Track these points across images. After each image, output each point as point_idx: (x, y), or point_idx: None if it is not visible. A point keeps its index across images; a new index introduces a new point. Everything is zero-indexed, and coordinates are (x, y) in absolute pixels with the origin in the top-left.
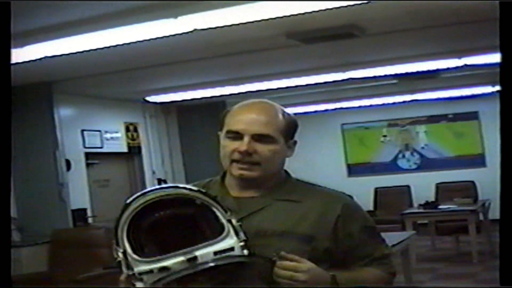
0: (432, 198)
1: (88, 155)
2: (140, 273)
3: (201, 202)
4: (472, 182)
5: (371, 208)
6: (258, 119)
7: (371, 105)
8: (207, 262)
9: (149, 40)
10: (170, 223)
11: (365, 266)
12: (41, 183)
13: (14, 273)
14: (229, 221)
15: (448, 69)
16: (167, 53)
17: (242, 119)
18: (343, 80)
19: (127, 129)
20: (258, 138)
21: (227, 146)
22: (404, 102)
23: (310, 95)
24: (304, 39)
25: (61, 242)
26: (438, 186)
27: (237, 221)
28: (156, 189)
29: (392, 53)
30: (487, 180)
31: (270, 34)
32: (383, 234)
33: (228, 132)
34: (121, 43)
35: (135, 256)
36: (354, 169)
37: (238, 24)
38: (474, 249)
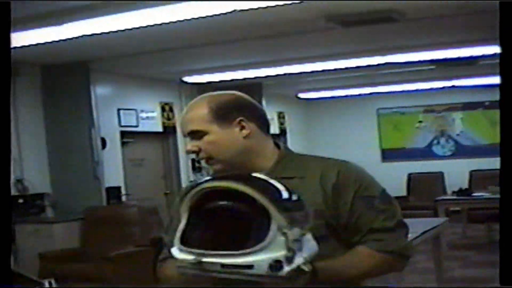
0: (465, 185)
1: (123, 134)
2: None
3: (260, 204)
4: None
5: (404, 193)
6: (188, 117)
7: (407, 91)
8: (237, 273)
9: (187, 20)
10: (222, 213)
11: (361, 242)
12: (76, 161)
13: (47, 248)
14: (285, 233)
15: (486, 56)
16: (205, 33)
17: (182, 121)
18: (380, 64)
19: (163, 109)
20: (194, 135)
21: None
22: (441, 88)
23: (346, 79)
24: (343, 22)
25: (94, 219)
26: (472, 173)
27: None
28: (227, 177)
29: (430, 39)
30: None
31: (309, 17)
32: (415, 220)
33: (184, 135)
34: (159, 23)
35: (181, 245)
36: (388, 154)
37: (276, 6)
38: None
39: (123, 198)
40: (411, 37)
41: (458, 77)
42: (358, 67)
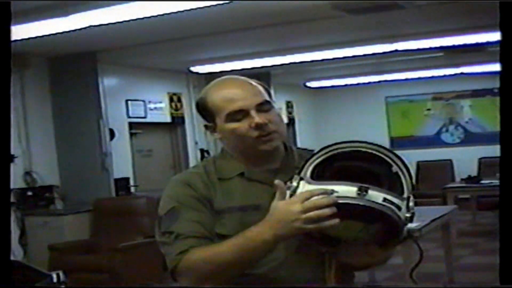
0: (474, 172)
1: (131, 125)
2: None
3: (395, 171)
4: None
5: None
6: (250, 91)
7: (416, 78)
8: (374, 202)
9: (194, 9)
10: (356, 174)
11: None
12: (84, 152)
13: (56, 240)
14: (408, 197)
15: (495, 42)
16: (212, 23)
17: (235, 97)
18: (388, 52)
19: (171, 99)
20: (261, 108)
21: (237, 128)
22: (449, 75)
23: (354, 67)
24: (349, 10)
25: (103, 211)
26: (481, 160)
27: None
28: (363, 142)
29: (438, 26)
30: None
31: (316, 4)
32: (424, 208)
33: (229, 114)
34: (166, 12)
35: (309, 179)
36: (397, 142)
37: None
38: None
39: (132, 189)
40: (418, 24)
41: (466, 64)
42: (365, 55)
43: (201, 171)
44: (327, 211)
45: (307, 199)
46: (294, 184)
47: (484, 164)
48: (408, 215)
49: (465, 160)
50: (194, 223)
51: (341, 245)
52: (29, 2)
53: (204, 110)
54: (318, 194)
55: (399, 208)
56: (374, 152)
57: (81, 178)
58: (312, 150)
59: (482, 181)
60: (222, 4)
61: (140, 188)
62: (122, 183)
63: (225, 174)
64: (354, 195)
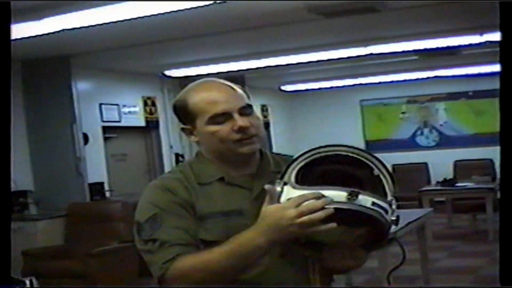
0: (450, 175)
1: (105, 129)
2: (289, 199)
3: (377, 174)
4: (491, 160)
5: None
6: (233, 94)
7: (390, 81)
8: (364, 207)
9: (168, 13)
10: (338, 178)
11: None
12: (58, 157)
13: (30, 246)
14: (391, 200)
15: (469, 45)
16: (186, 27)
17: (219, 99)
18: (363, 55)
19: (145, 103)
20: (243, 111)
21: (218, 130)
22: (424, 78)
23: (329, 70)
24: (325, 13)
25: (77, 216)
26: (456, 163)
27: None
28: (345, 146)
29: (413, 29)
30: None
31: (291, 8)
32: (400, 211)
33: (212, 117)
34: (139, 16)
35: (294, 184)
36: (372, 146)
37: None
38: (490, 227)
39: (107, 194)
40: (393, 27)
41: (441, 67)
42: (340, 58)
43: (179, 176)
44: (321, 214)
45: (300, 203)
46: (278, 189)
47: (459, 167)
48: (393, 218)
49: (441, 163)
50: (178, 230)
51: (324, 249)
52: None
53: (183, 112)
54: (311, 198)
55: (386, 212)
56: (355, 155)
57: (55, 183)
58: (286, 155)
59: (458, 184)
60: (196, 8)
61: (115, 193)
62: (96, 188)
63: (205, 178)
64: (344, 199)
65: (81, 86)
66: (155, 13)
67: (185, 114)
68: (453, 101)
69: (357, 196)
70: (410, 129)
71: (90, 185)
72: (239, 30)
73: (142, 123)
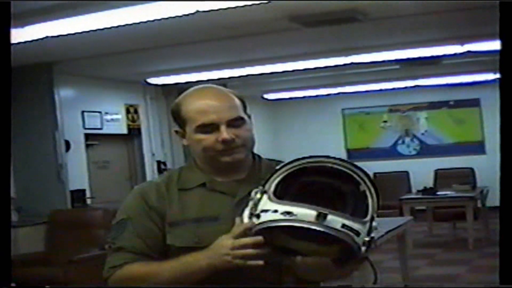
0: (430, 184)
1: (87, 136)
2: (262, 210)
3: (363, 190)
4: (471, 169)
5: None
6: (224, 105)
7: (372, 90)
8: (333, 229)
9: (151, 21)
10: (322, 190)
11: None
12: (40, 164)
13: (11, 253)
14: (372, 218)
15: (450, 55)
16: (169, 35)
17: (209, 109)
18: (344, 64)
19: (127, 111)
20: (231, 123)
21: (204, 139)
22: (405, 87)
23: (311, 79)
24: (306, 23)
25: (58, 223)
26: (437, 172)
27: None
28: (334, 158)
29: (394, 39)
30: (486, 167)
31: (273, 17)
32: (380, 220)
33: (199, 126)
34: (122, 24)
35: (272, 196)
36: (353, 154)
37: (240, 7)
38: (470, 235)
39: (88, 201)
40: (374, 37)
41: (422, 76)
42: (322, 67)
43: (162, 180)
44: (251, 251)
45: (240, 234)
46: (258, 196)
47: (440, 175)
48: (367, 239)
49: (421, 171)
50: (136, 239)
51: (297, 258)
52: None
53: (176, 116)
54: (243, 230)
55: (358, 234)
56: (342, 169)
57: (36, 189)
58: (281, 161)
59: (438, 193)
60: (180, 16)
61: (97, 200)
62: (78, 195)
63: (187, 184)
64: (313, 219)
65: (63, 93)
66: (138, 21)
67: (178, 119)
68: (434, 110)
69: (325, 218)
70: (391, 138)
71: (72, 192)
72: (221, 39)
73: (124, 130)
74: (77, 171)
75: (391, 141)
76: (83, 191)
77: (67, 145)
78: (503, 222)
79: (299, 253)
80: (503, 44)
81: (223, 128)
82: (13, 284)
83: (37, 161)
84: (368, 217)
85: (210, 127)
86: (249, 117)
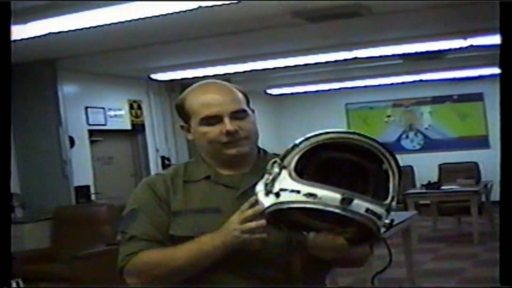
0: (434, 178)
1: (91, 132)
2: (282, 189)
3: (386, 168)
4: (475, 163)
5: None
6: (228, 98)
7: (376, 85)
8: (357, 214)
9: (154, 17)
10: (344, 166)
11: None
12: (44, 160)
13: (16, 249)
14: (393, 197)
15: (453, 49)
16: (172, 30)
17: (213, 102)
18: (348, 59)
19: (131, 107)
20: (235, 115)
21: (208, 132)
22: (409, 82)
23: (315, 74)
24: (309, 18)
25: (63, 219)
26: (441, 167)
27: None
28: (357, 133)
29: (397, 33)
30: (490, 161)
31: (276, 12)
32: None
33: (203, 119)
34: (125, 20)
35: (293, 173)
36: None
37: (244, 2)
38: (475, 230)
39: (93, 197)
40: (378, 31)
41: (426, 71)
42: (326, 62)
43: (170, 172)
44: (253, 224)
45: (251, 205)
46: (276, 170)
47: (444, 170)
48: (387, 221)
49: (425, 166)
50: (149, 226)
51: (310, 234)
52: None
53: (181, 111)
54: (248, 207)
55: (380, 218)
56: (364, 145)
57: (41, 186)
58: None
59: (442, 187)
60: (183, 11)
61: (101, 196)
62: (82, 191)
63: (192, 177)
64: (337, 203)
65: (67, 90)
66: (142, 16)
67: (182, 113)
68: (438, 104)
69: (350, 202)
70: (395, 132)
71: (76, 188)
72: (225, 34)
73: (128, 126)
74: (82, 167)
75: (395, 135)
76: (88, 187)
77: (71, 141)
78: (503, 222)
79: (313, 230)
80: (503, 39)
81: (226, 120)
82: (19, 279)
83: (41, 158)
84: (389, 199)
85: (214, 119)
86: (253, 111)
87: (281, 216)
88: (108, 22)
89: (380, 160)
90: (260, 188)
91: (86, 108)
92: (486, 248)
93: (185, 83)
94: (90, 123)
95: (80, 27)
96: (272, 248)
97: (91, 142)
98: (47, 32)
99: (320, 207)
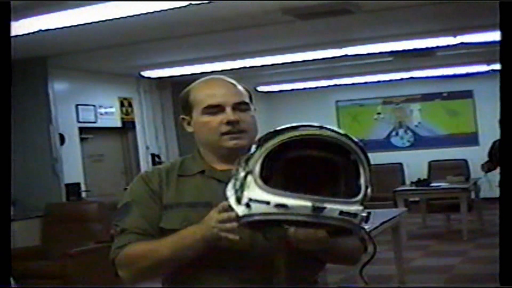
0: (424, 176)
1: (82, 130)
2: (251, 199)
3: (354, 159)
4: (465, 160)
5: None
6: (232, 90)
7: (365, 82)
8: (331, 218)
9: (144, 14)
10: (311, 163)
11: None
12: (34, 157)
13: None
14: (366, 189)
15: (443, 47)
16: (162, 28)
17: (216, 93)
18: (338, 56)
19: (122, 104)
20: (238, 107)
21: (210, 121)
22: (399, 79)
23: (305, 71)
24: (299, 15)
25: (54, 216)
26: (431, 164)
27: None
28: (314, 126)
29: (387, 30)
30: (479, 158)
31: (266, 10)
32: (374, 211)
33: (206, 108)
34: (116, 17)
35: (259, 180)
36: None
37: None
38: (464, 227)
39: (83, 195)
40: (368, 29)
41: (415, 68)
42: (316, 59)
43: (165, 167)
44: (228, 226)
45: (225, 209)
46: (242, 175)
47: (434, 167)
48: (364, 214)
49: (415, 163)
50: (140, 219)
51: (290, 230)
52: None
53: (184, 103)
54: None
55: (356, 215)
56: (328, 138)
57: (31, 183)
58: None
59: (432, 184)
60: (172, 9)
61: (91, 193)
62: (73, 188)
63: (187, 171)
64: (309, 211)
65: (57, 87)
66: (132, 14)
67: (185, 105)
68: (428, 102)
69: (322, 210)
70: (385, 129)
71: (67, 185)
72: (214, 32)
73: (118, 123)
74: (72, 165)
75: (385, 133)
76: (78, 184)
77: (62, 138)
78: (503, 221)
79: (293, 224)
80: (503, 35)
81: (228, 109)
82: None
83: (31, 155)
84: (362, 192)
85: (216, 109)
86: (255, 109)
87: (255, 223)
88: (99, 20)
89: (346, 151)
90: (230, 192)
91: (77, 105)
92: (476, 244)
93: (175, 81)
94: (81, 120)
95: (70, 25)
96: (259, 247)
97: (82, 139)
98: (37, 29)
99: (292, 218)
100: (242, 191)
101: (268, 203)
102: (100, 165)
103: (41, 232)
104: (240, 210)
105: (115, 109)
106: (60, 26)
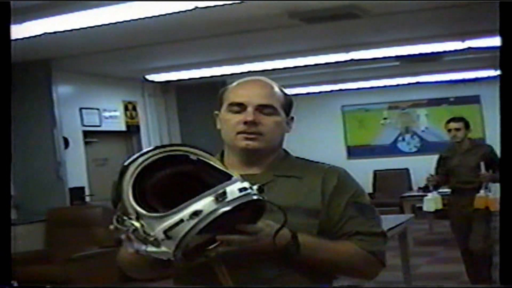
0: None
1: (86, 134)
2: (166, 230)
3: (196, 158)
4: None
5: (370, 190)
6: (260, 91)
7: (372, 87)
8: (238, 198)
9: (149, 17)
10: (174, 182)
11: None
12: (38, 161)
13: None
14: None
15: (450, 51)
16: (168, 31)
17: (244, 92)
18: (344, 61)
19: (126, 108)
20: (261, 109)
21: (231, 119)
22: (405, 84)
23: (311, 76)
24: (306, 19)
25: (57, 221)
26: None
27: None
28: (148, 151)
29: (394, 35)
30: None
31: (272, 13)
32: (381, 217)
33: (230, 105)
34: (121, 20)
35: (153, 214)
36: (353, 151)
37: (240, 3)
38: None
39: (87, 199)
40: (374, 33)
41: (422, 73)
42: (322, 64)
43: None
44: None
45: None
46: (136, 225)
47: None
48: (255, 187)
49: (422, 169)
50: None
51: (234, 238)
52: None
53: (219, 99)
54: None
55: (251, 188)
56: (165, 154)
57: (35, 187)
58: (308, 160)
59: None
60: (178, 12)
61: (96, 198)
62: (77, 193)
63: None
64: (215, 204)
65: (61, 90)
66: (136, 17)
67: (219, 101)
68: (435, 107)
69: (224, 194)
70: (391, 135)
71: (71, 189)
72: (221, 35)
73: (122, 127)
74: (76, 169)
75: (391, 138)
76: (82, 188)
77: (66, 142)
78: (503, 221)
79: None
80: (503, 40)
81: (250, 109)
82: (13, 281)
83: (35, 159)
84: (233, 173)
85: (239, 107)
86: (292, 119)
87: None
88: (104, 23)
89: (184, 155)
90: (143, 248)
91: (81, 109)
92: None
93: (180, 85)
94: (85, 124)
95: (75, 28)
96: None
97: (86, 143)
98: (42, 32)
99: (211, 218)
100: (149, 234)
101: (182, 220)
102: (104, 169)
103: (44, 236)
104: (167, 248)
105: (119, 112)
106: (65, 29)
